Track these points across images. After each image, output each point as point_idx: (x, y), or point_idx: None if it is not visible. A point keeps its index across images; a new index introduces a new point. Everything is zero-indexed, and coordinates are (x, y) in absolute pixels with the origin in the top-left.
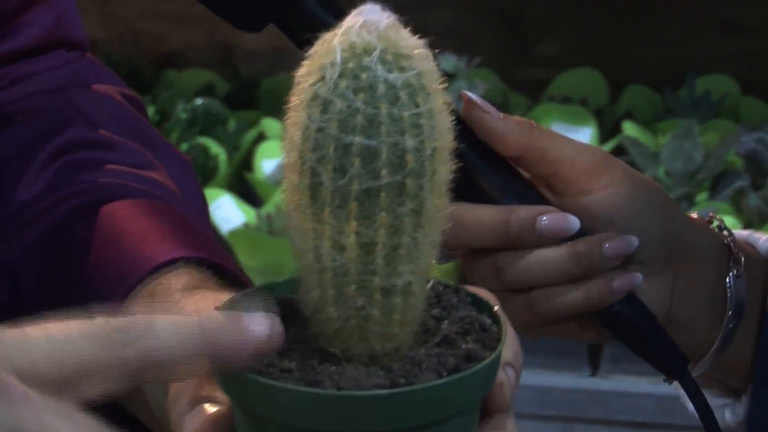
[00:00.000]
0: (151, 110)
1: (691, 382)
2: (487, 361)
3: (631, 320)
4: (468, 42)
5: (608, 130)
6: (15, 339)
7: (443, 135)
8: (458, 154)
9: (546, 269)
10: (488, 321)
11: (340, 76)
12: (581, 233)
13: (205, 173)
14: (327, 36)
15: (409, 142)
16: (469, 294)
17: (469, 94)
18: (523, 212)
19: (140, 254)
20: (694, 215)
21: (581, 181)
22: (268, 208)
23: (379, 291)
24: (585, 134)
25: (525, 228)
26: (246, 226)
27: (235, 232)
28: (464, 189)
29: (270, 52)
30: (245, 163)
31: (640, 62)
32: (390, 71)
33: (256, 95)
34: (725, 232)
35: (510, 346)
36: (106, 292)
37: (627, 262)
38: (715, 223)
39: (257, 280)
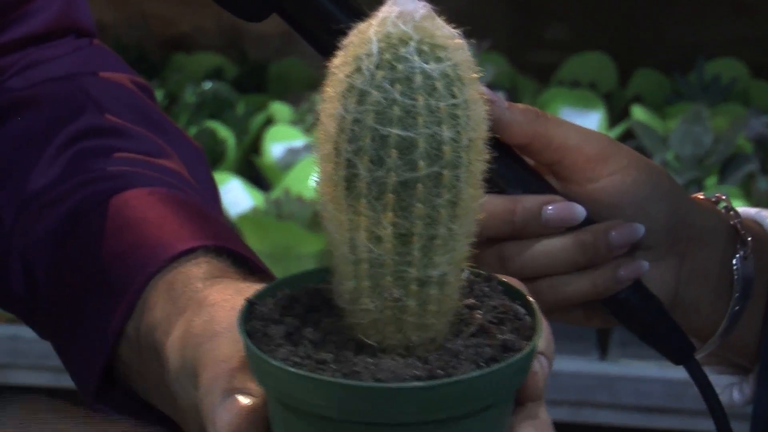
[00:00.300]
0: (159, 94)
1: (696, 368)
2: (525, 352)
3: (637, 307)
4: (477, 25)
5: (617, 114)
6: None
7: (479, 125)
8: None
9: (552, 259)
10: (521, 310)
11: (377, 66)
12: (587, 221)
13: (213, 157)
14: (362, 26)
15: (446, 133)
16: (501, 282)
17: None
18: (528, 202)
19: (158, 243)
20: (701, 196)
21: (587, 169)
22: (277, 192)
23: (415, 282)
24: (594, 118)
25: (530, 217)
26: (254, 210)
27: (243, 216)
28: None
29: (279, 36)
30: (254, 147)
31: (650, 46)
32: (427, 62)
33: (265, 79)
34: (732, 213)
35: (543, 335)
36: (123, 281)
37: (633, 248)
38: (722, 204)
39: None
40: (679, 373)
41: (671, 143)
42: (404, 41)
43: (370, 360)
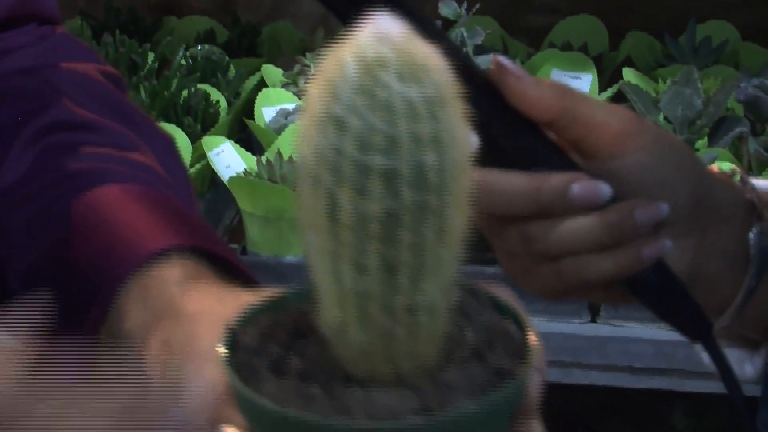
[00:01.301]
0: (150, 57)
1: (714, 346)
2: (519, 378)
3: (657, 286)
4: None
5: (608, 76)
6: None
7: (463, 146)
8: (487, 120)
9: (577, 239)
10: (512, 326)
11: (355, 92)
12: (611, 199)
13: (205, 120)
14: (338, 48)
15: (431, 159)
16: (488, 296)
17: (501, 58)
18: (555, 180)
19: (131, 244)
20: (715, 168)
21: (612, 145)
22: (269, 155)
23: (404, 310)
24: (585, 81)
25: (557, 196)
26: (246, 173)
27: (235, 179)
28: (493, 155)
29: None
30: (246, 110)
31: (641, 9)
32: (407, 86)
33: (257, 42)
34: (748, 186)
35: (534, 351)
36: (96, 282)
37: (656, 226)
38: (737, 177)
39: (258, 227)
40: (669, 334)
41: (662, 105)
42: (383, 65)
43: (361, 393)
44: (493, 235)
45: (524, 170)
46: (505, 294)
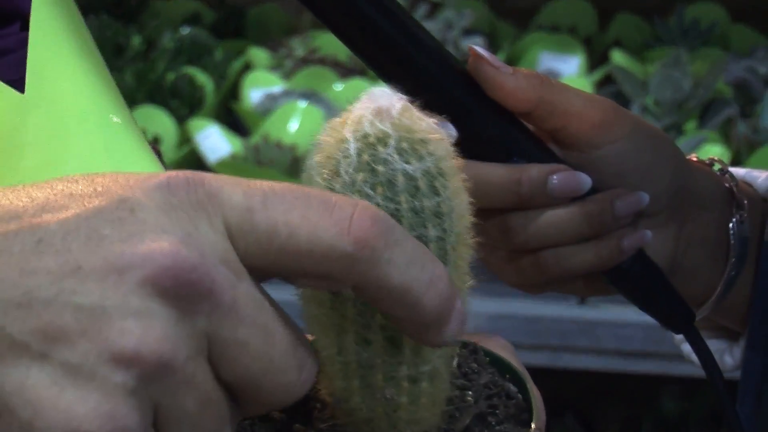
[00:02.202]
0: (137, 40)
1: (696, 336)
2: None
3: (638, 277)
4: None
5: (597, 59)
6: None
7: (464, 216)
8: (465, 111)
9: (557, 230)
10: (512, 387)
11: (356, 169)
12: (591, 189)
13: (192, 103)
14: (336, 123)
15: (432, 233)
16: (487, 353)
17: (477, 48)
18: (534, 171)
19: None
20: (694, 158)
21: (591, 135)
22: (256, 138)
23: (407, 379)
24: (573, 63)
25: (536, 188)
26: (233, 156)
27: (222, 162)
28: (471, 146)
29: None
30: (232, 93)
31: None
32: (407, 161)
33: (243, 24)
34: (727, 176)
35: (537, 412)
36: None
37: (636, 217)
38: (717, 166)
39: None
40: None
41: (651, 88)
42: (383, 141)
43: None
44: (473, 229)
45: (503, 162)
46: (501, 346)
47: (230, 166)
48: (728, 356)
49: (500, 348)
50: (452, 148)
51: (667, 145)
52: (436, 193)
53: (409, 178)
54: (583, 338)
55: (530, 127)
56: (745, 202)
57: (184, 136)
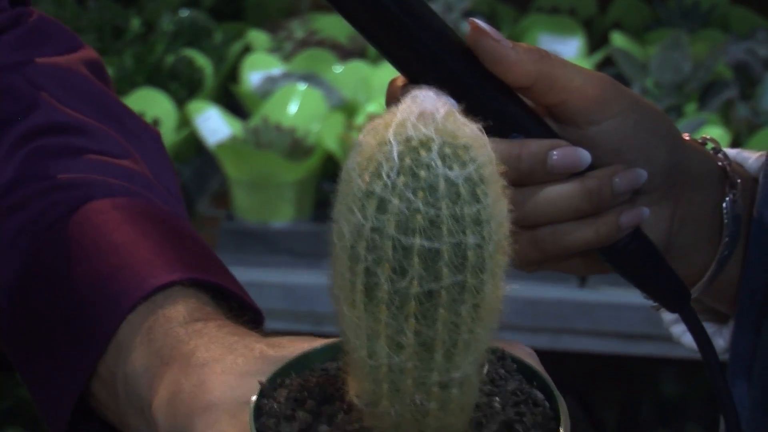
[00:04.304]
0: (136, 23)
1: (692, 315)
2: None
3: (635, 255)
4: None
5: (597, 40)
6: None
7: (503, 224)
8: (465, 85)
9: (556, 207)
10: (539, 395)
11: (398, 173)
12: (589, 166)
13: (191, 86)
14: (378, 124)
15: (471, 240)
16: (514, 360)
17: (478, 21)
18: (534, 146)
19: (132, 275)
20: (686, 137)
21: (589, 111)
22: (255, 121)
23: (437, 386)
24: (573, 45)
25: (536, 163)
26: (233, 139)
27: (222, 145)
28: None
29: None
30: (231, 76)
31: None
32: (450, 167)
33: (243, 6)
34: (720, 155)
35: (564, 420)
36: (95, 317)
37: (633, 194)
38: (710, 145)
39: (244, 192)
40: None
41: (651, 70)
42: (426, 145)
43: None
44: None
45: (502, 137)
46: (526, 354)
47: (230, 148)
48: (719, 338)
49: (525, 355)
50: (494, 155)
51: (665, 123)
52: (477, 200)
53: (451, 184)
54: (582, 320)
55: (528, 102)
56: (739, 181)
57: (184, 119)
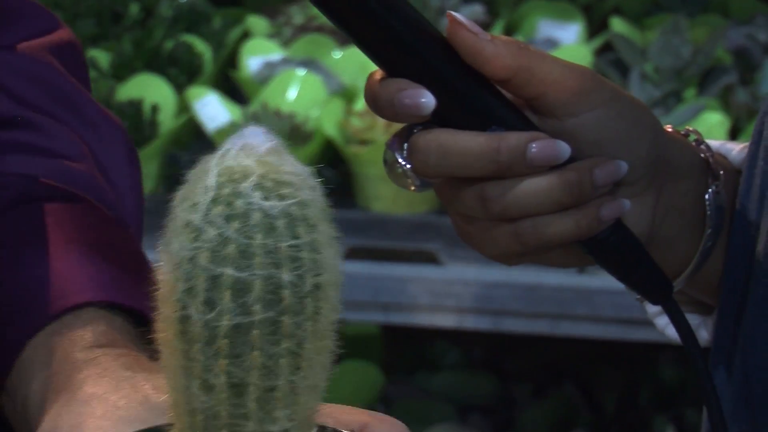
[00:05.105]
0: (135, 8)
1: (674, 307)
2: None
3: (616, 247)
4: None
5: (596, 26)
6: None
7: (328, 270)
8: (443, 78)
9: (536, 199)
10: None
11: (214, 202)
12: (569, 158)
13: (190, 71)
14: (207, 158)
15: (286, 276)
16: None
17: (455, 14)
18: (513, 139)
19: (47, 291)
20: (669, 128)
21: (569, 103)
22: (254, 106)
23: None
24: (572, 31)
25: (515, 156)
26: (232, 125)
27: (220, 131)
28: (449, 114)
29: None
30: (230, 61)
31: None
32: (267, 199)
33: None
34: (703, 146)
35: None
36: (4, 330)
37: (614, 186)
38: (692, 137)
39: None
40: None
41: (650, 55)
42: (245, 176)
43: None
44: (448, 197)
45: (481, 130)
46: (387, 428)
47: (229, 134)
48: (703, 330)
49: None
50: (324, 201)
51: (645, 114)
52: (295, 236)
53: (266, 215)
54: (581, 306)
55: (507, 95)
56: (721, 173)
57: (183, 105)
